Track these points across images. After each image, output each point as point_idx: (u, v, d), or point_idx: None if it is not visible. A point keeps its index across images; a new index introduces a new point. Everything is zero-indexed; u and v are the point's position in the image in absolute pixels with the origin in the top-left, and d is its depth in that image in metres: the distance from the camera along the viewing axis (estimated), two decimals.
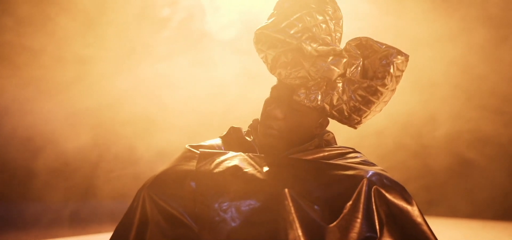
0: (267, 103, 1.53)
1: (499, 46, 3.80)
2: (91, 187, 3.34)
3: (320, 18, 1.45)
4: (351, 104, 1.46)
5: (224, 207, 1.33)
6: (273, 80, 1.64)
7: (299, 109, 1.48)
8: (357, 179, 1.33)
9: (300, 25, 1.42)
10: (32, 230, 3.01)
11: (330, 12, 1.48)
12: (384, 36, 1.64)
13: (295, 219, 1.26)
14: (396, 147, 4.02)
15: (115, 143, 3.45)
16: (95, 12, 3.38)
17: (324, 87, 1.46)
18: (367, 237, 1.28)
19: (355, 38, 1.50)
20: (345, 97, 1.45)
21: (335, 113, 1.48)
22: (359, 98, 1.45)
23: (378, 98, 1.45)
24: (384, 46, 1.46)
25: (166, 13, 3.71)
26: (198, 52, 3.79)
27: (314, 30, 1.43)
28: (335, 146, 1.57)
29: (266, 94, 1.58)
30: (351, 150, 1.55)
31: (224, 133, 1.64)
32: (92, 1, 3.36)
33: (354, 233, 1.28)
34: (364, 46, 1.48)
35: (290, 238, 1.24)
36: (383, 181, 1.33)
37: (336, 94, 1.45)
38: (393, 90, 1.48)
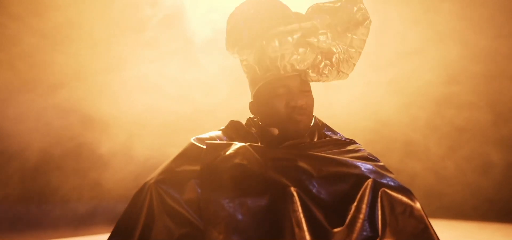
0: (281, 102, 1.54)
1: (487, 50, 3.80)
2: (53, 188, 3.19)
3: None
4: (350, 48, 1.55)
5: (231, 203, 1.31)
6: None
7: (309, 90, 1.57)
8: (362, 179, 1.33)
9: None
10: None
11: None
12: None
13: (303, 219, 1.25)
14: (380, 146, 3.99)
15: (84, 143, 3.33)
16: (75, 12, 3.28)
17: (322, 57, 1.52)
18: (368, 237, 1.26)
19: (309, 8, 1.58)
20: (340, 44, 1.54)
21: (341, 59, 1.53)
22: (348, 32, 1.53)
23: (363, 23, 1.54)
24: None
25: (148, 13, 3.62)
26: (179, 53, 3.70)
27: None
28: (335, 137, 1.60)
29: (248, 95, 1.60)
30: (351, 141, 1.57)
31: (222, 127, 1.64)
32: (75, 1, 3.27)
33: (356, 233, 1.26)
34: (320, 8, 1.56)
35: (297, 237, 1.22)
36: (389, 183, 1.33)
37: (334, 50, 1.52)
38: (369, 18, 1.58)
